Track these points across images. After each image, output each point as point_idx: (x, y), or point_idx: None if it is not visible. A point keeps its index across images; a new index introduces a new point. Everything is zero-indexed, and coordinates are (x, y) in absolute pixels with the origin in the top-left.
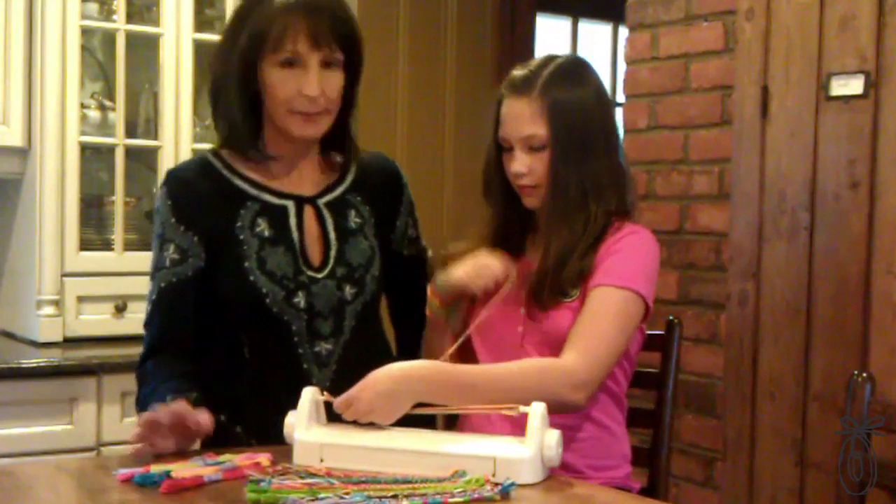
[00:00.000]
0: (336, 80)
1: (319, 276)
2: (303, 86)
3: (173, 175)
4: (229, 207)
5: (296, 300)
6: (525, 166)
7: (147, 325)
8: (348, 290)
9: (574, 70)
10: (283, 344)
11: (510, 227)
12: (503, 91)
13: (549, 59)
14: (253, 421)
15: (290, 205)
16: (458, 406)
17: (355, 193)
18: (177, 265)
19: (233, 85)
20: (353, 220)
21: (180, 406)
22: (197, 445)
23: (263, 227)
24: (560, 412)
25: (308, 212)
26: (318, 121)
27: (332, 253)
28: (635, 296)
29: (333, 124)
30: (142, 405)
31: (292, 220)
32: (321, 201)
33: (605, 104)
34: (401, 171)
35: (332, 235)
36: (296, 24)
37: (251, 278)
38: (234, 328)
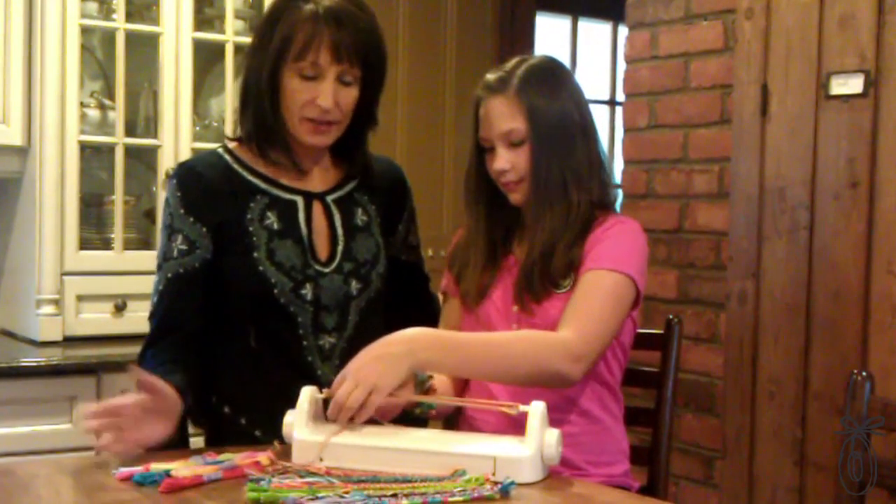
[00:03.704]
0: (350, 95)
1: (327, 270)
2: (317, 95)
3: (184, 167)
4: (239, 200)
5: (303, 292)
6: (507, 162)
7: (151, 315)
8: (354, 286)
9: (547, 68)
10: (289, 335)
11: (496, 228)
12: (479, 93)
13: (522, 59)
14: (256, 411)
15: (299, 200)
16: (458, 400)
17: (362, 193)
18: (184, 256)
19: (264, 85)
20: (360, 217)
21: (140, 381)
22: (199, 443)
23: (272, 219)
24: (553, 385)
25: (316, 207)
26: (327, 131)
27: (340, 248)
28: (626, 278)
29: (347, 134)
30: None
31: (301, 215)
32: (330, 198)
33: (579, 98)
34: (406, 178)
35: (340, 231)
36: (320, 36)
37: (260, 268)
38: (241, 318)
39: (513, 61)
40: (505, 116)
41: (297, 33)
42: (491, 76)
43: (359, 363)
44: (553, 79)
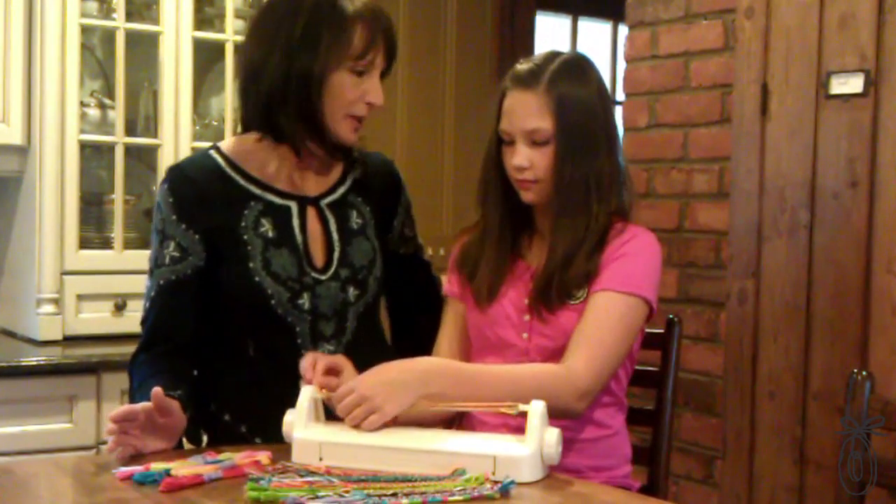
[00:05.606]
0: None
1: (323, 277)
2: (368, 92)
3: (175, 171)
4: (233, 206)
5: (300, 302)
6: (527, 160)
7: (143, 321)
8: (352, 292)
9: (579, 67)
10: (287, 345)
11: (508, 226)
12: (507, 84)
13: (554, 54)
14: (257, 419)
15: (294, 205)
16: (459, 403)
17: (356, 194)
18: (176, 263)
19: (315, 83)
20: (355, 220)
21: (154, 396)
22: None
23: (267, 227)
24: (559, 418)
25: (311, 213)
26: (360, 129)
27: (336, 255)
28: (640, 300)
29: None
30: (132, 400)
31: (295, 221)
32: (324, 202)
33: (607, 103)
34: (398, 171)
35: (335, 237)
36: (379, 36)
37: (256, 279)
38: (239, 327)
39: (544, 54)
40: (532, 114)
41: (355, 33)
42: (521, 67)
43: (369, 381)
44: (584, 80)
